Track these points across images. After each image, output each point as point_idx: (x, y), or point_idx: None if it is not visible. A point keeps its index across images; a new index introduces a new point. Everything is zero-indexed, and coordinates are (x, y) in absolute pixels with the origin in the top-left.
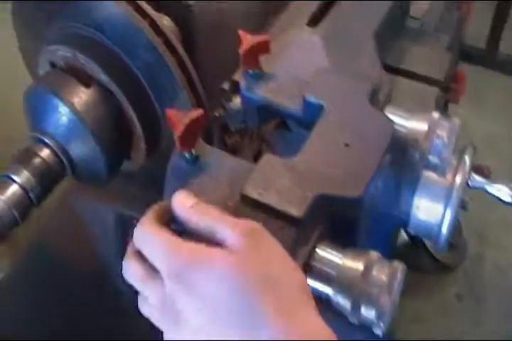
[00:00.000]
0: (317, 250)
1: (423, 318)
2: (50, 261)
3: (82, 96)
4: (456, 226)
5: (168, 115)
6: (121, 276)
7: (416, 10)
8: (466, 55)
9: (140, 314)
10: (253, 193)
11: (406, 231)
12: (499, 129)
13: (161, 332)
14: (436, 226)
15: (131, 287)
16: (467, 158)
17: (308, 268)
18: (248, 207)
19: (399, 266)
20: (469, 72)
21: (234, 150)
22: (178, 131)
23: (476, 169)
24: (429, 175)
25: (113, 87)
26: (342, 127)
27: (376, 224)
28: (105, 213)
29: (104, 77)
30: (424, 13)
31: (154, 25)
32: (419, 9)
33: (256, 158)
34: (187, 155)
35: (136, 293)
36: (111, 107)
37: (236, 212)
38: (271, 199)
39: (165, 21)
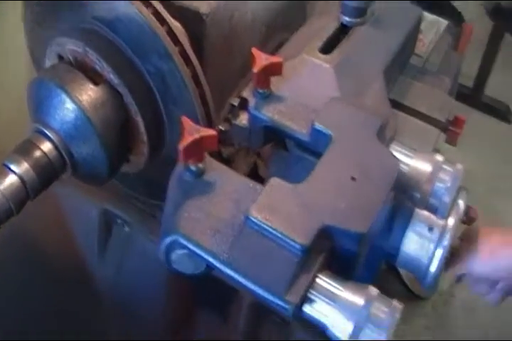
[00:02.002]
0: (318, 280)
1: None
2: (26, 252)
3: (90, 94)
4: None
5: (184, 124)
6: (101, 273)
7: (420, 48)
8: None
9: (117, 312)
10: (259, 216)
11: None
12: (476, 165)
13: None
14: (424, 264)
15: (109, 284)
16: (461, 201)
17: (308, 298)
18: (253, 229)
19: (398, 306)
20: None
21: (228, 161)
22: (184, 142)
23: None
24: (423, 213)
25: (122, 89)
26: (349, 160)
27: (367, 256)
28: (89, 208)
29: (114, 78)
30: (428, 52)
31: (171, 33)
32: (423, 48)
33: (250, 171)
34: (193, 168)
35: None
36: (118, 109)
37: (241, 233)
38: (277, 224)
39: (179, 29)
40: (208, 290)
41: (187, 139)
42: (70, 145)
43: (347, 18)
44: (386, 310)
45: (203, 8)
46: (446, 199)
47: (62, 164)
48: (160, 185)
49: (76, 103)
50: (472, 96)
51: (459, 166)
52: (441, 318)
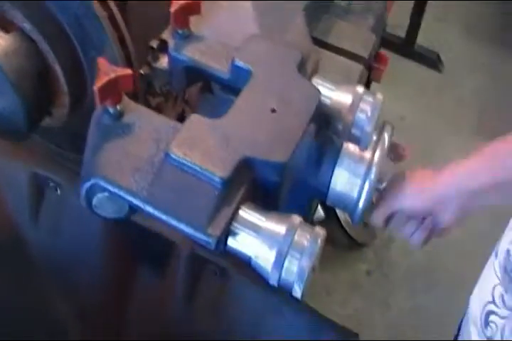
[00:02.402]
0: (240, 212)
1: (335, 291)
2: None
3: (0, 42)
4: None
5: (99, 64)
6: (35, 239)
7: None
8: (386, 42)
9: (55, 277)
10: (178, 152)
11: (322, 207)
12: (408, 114)
13: None
14: (353, 200)
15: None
16: (386, 136)
17: (231, 231)
18: (173, 165)
19: (320, 232)
20: (390, 60)
21: (157, 111)
22: (99, 83)
23: (392, 147)
24: (350, 149)
25: (36, 36)
26: (269, 93)
27: (296, 193)
28: (17, 172)
29: (27, 25)
30: None
31: None
32: None
33: (179, 120)
34: (111, 110)
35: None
36: (33, 57)
37: (161, 171)
38: (196, 158)
39: None
40: (146, 246)
41: (102, 79)
42: None
43: None
44: (308, 237)
45: None
46: (368, 128)
47: None
48: (84, 137)
49: None
50: (405, 46)
51: (379, 96)
52: (382, 263)
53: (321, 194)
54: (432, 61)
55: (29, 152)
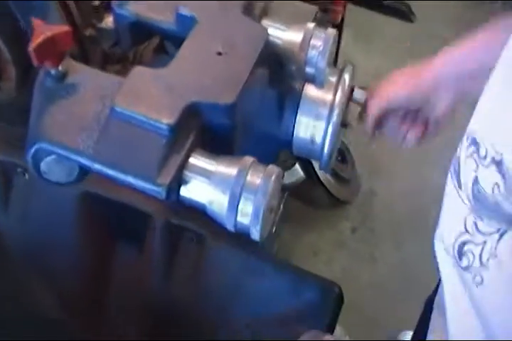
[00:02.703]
0: (190, 159)
1: (321, 251)
2: None
3: None
4: (350, 161)
5: (34, 25)
6: (7, 228)
7: None
8: None
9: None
10: (122, 104)
11: (301, 167)
12: (385, 65)
13: None
14: (318, 145)
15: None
16: (347, 76)
17: (183, 179)
18: (118, 119)
19: (274, 170)
20: (361, 16)
21: None
22: (34, 42)
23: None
24: (311, 93)
25: None
26: (214, 37)
27: (262, 145)
28: None
29: None
30: None
31: None
32: None
33: None
34: (52, 71)
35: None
36: None
37: (106, 126)
38: (141, 109)
39: None
40: (120, 222)
41: (37, 38)
42: None
43: None
44: (261, 175)
45: None
46: (321, 64)
47: None
48: None
49: None
50: (374, 0)
51: (331, 30)
52: (366, 218)
53: (287, 143)
54: (403, 13)
55: None
